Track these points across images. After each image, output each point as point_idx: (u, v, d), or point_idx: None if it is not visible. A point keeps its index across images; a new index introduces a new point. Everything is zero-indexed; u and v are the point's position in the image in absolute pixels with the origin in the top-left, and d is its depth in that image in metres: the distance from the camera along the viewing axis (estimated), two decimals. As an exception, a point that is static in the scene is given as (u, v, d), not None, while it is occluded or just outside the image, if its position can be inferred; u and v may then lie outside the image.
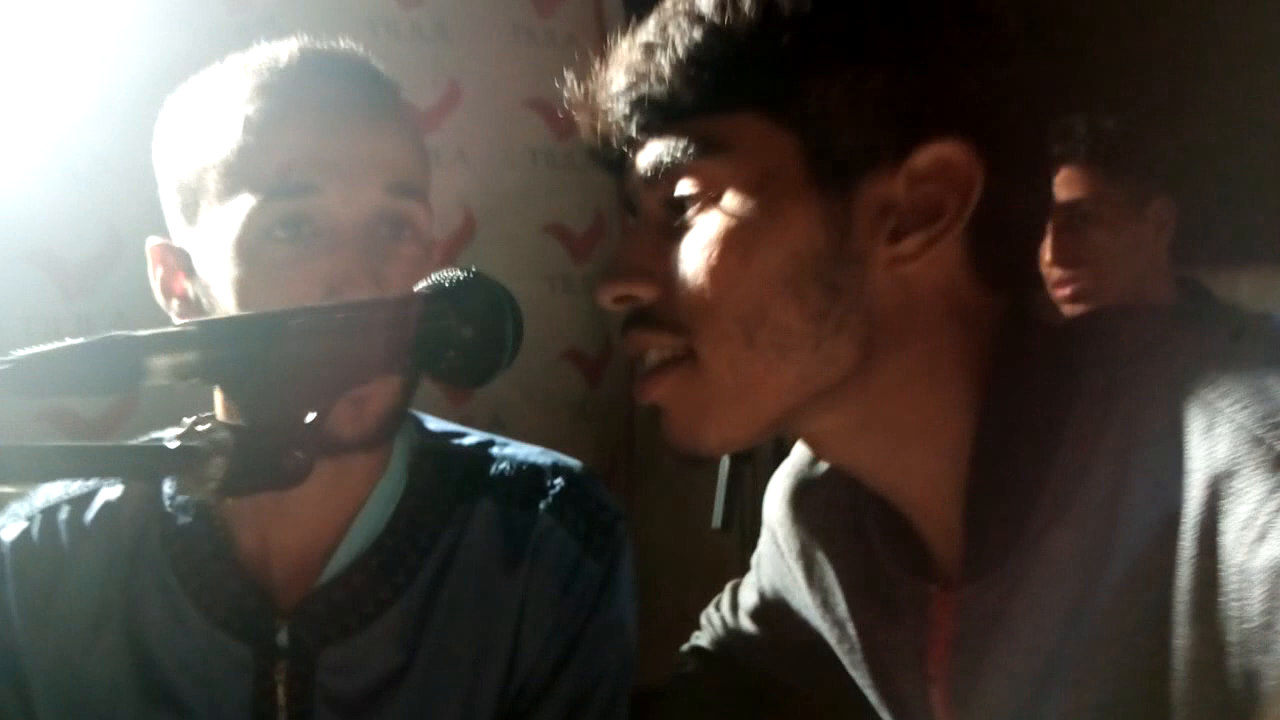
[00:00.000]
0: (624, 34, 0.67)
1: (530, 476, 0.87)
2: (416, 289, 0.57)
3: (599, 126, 0.67)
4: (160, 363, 0.44)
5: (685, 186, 0.63)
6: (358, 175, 0.73)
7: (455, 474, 0.86)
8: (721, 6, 0.62)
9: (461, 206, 1.96)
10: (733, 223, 0.62)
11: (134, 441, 0.41)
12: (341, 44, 0.81)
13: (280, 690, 0.79)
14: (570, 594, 0.84)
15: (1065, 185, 1.48)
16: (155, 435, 0.84)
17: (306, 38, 0.79)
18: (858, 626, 0.78)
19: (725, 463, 1.40)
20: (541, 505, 0.85)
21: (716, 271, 0.62)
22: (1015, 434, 0.62)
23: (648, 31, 0.65)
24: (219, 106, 0.76)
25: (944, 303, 0.64)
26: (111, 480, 0.83)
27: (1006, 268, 0.66)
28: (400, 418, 0.80)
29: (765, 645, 1.01)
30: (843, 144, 0.61)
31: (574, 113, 0.69)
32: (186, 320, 0.46)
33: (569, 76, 0.69)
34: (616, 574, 0.86)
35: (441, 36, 1.97)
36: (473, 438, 0.91)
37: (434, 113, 1.90)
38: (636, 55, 0.65)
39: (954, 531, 0.66)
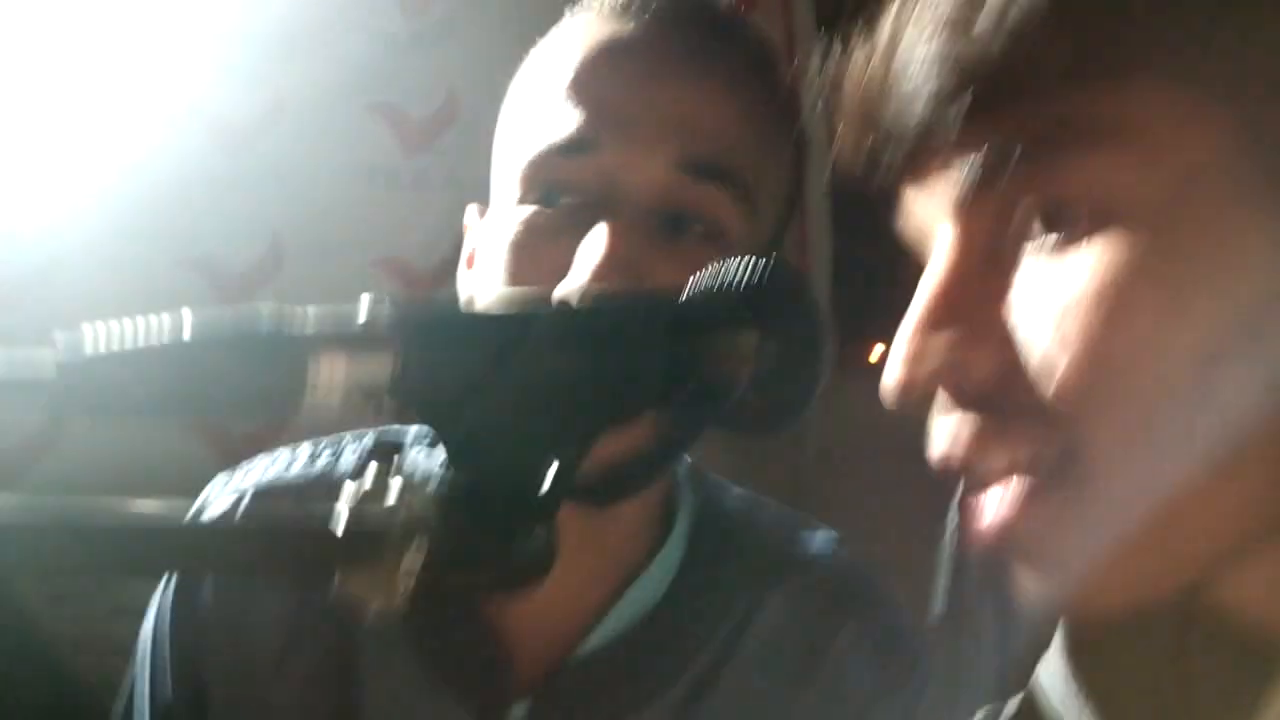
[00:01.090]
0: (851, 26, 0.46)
1: (838, 575, 0.73)
2: (692, 286, 0.38)
3: (878, 129, 0.45)
4: (333, 373, 0.26)
5: (1046, 196, 0.42)
6: (644, 140, 0.58)
7: (746, 553, 0.72)
8: None
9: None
10: (1143, 250, 0.40)
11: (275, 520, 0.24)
12: None
13: None
14: None
15: None
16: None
17: None
18: None
19: (950, 539, 1.17)
20: (847, 615, 0.71)
21: (1124, 328, 0.41)
22: None
23: (933, 5, 0.43)
24: (529, 67, 0.68)
25: None
26: (355, 448, 0.74)
27: None
28: (650, 473, 0.63)
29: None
30: None
31: (837, 119, 0.48)
32: (378, 298, 0.29)
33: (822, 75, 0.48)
34: (912, 714, 0.72)
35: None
36: (772, 511, 0.76)
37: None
38: (937, 37, 0.43)
39: None
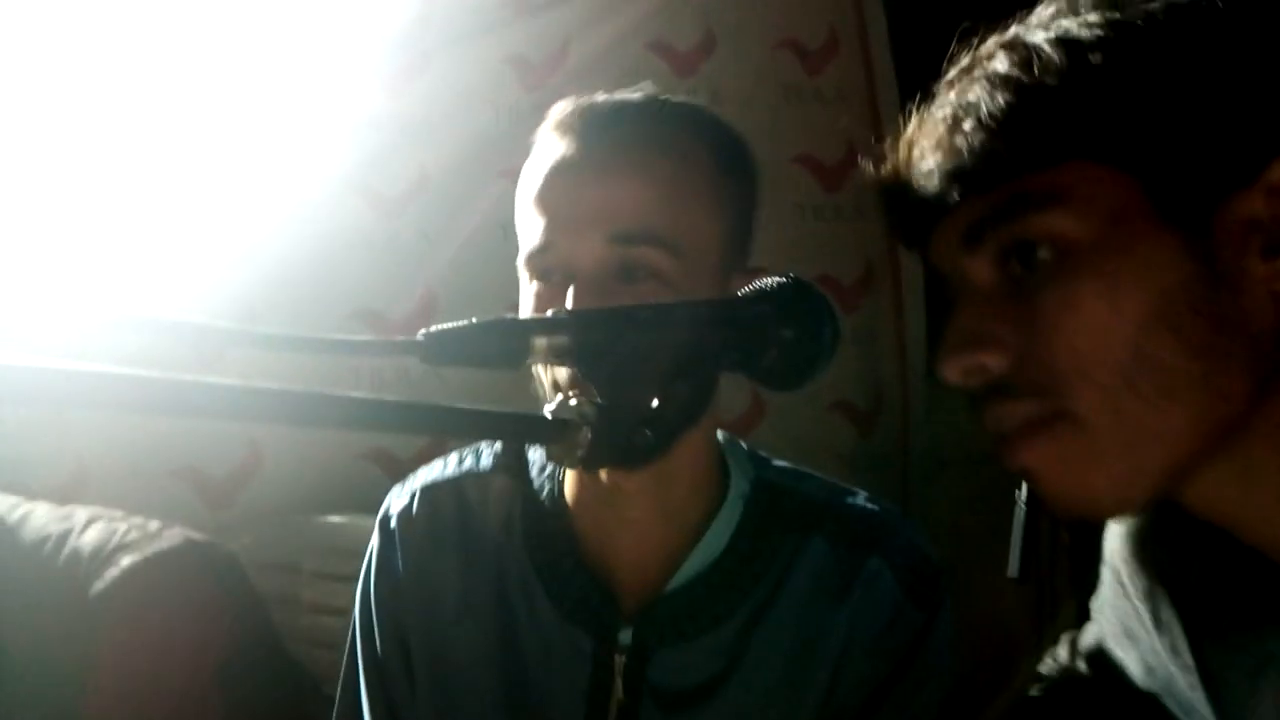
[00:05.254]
0: (915, 103, 0.67)
1: (864, 521, 0.91)
2: (741, 292, 0.61)
3: (907, 200, 0.67)
4: (540, 343, 0.51)
5: (1021, 244, 0.62)
6: (580, 228, 0.78)
7: (792, 510, 0.91)
8: (1026, 64, 0.61)
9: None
10: (1089, 273, 0.60)
11: (512, 411, 0.47)
12: (634, 91, 0.86)
13: (617, 682, 0.87)
14: (891, 637, 0.87)
15: None
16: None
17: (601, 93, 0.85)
18: (1205, 678, 0.72)
19: (1020, 512, 1.34)
20: (872, 550, 0.89)
21: (1085, 326, 0.60)
22: None
23: (947, 104, 0.64)
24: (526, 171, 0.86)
25: None
26: (490, 453, 0.95)
27: None
28: (680, 432, 0.83)
29: (1104, 692, 0.94)
30: (1187, 173, 0.59)
31: (879, 190, 0.69)
32: (560, 309, 0.53)
33: (866, 163, 0.68)
34: (937, 624, 0.89)
35: (715, 101, 2.06)
36: (815, 481, 0.96)
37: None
38: (941, 130, 0.64)
39: None
